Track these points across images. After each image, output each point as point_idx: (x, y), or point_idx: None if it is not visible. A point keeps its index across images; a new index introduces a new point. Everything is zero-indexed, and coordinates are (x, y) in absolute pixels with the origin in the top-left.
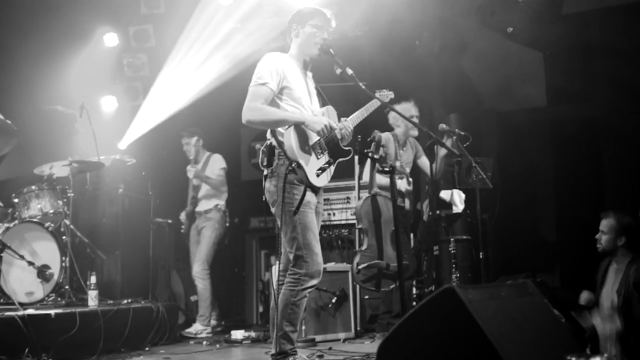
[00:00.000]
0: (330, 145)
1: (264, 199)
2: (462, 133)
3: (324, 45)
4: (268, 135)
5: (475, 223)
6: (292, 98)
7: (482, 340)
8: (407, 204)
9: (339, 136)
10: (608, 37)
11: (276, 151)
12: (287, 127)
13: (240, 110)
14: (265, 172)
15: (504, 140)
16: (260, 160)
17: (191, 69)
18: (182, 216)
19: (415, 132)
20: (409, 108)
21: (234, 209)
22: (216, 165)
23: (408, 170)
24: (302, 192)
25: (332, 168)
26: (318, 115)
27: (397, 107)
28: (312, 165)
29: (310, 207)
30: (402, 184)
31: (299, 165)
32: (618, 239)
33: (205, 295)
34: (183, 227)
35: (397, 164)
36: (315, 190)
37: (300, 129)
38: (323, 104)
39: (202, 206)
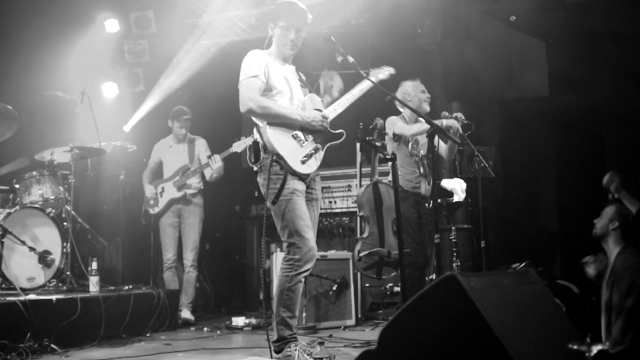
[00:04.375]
0: (315, 131)
1: (255, 194)
2: (466, 121)
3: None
4: (254, 131)
5: (477, 212)
6: (274, 93)
7: (484, 328)
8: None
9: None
10: (611, 24)
11: (260, 145)
12: (264, 122)
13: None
14: (255, 168)
15: (506, 129)
16: (248, 157)
17: (194, 54)
18: (162, 200)
19: (427, 108)
20: (417, 84)
21: (234, 197)
22: (207, 151)
23: (423, 152)
24: (282, 180)
25: (322, 153)
26: (308, 111)
27: (407, 83)
28: (296, 154)
29: (298, 194)
30: (423, 187)
31: (280, 157)
32: (611, 223)
33: (194, 284)
34: (154, 209)
35: (421, 152)
36: (303, 177)
37: (277, 122)
38: (308, 93)
39: (187, 190)
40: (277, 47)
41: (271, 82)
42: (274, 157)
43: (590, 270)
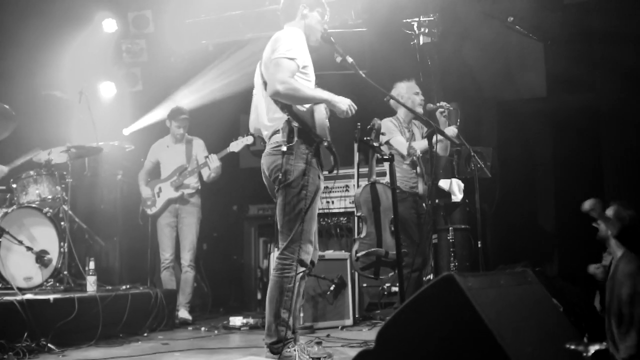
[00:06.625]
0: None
1: (278, 176)
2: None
3: (324, 34)
4: (284, 114)
5: (474, 212)
6: (308, 76)
7: (482, 328)
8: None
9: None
10: (610, 24)
11: (296, 129)
12: (310, 105)
13: (239, 98)
14: (283, 148)
15: (504, 130)
16: (281, 136)
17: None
18: (160, 200)
19: (421, 111)
20: (412, 85)
21: (232, 197)
22: (204, 152)
23: (419, 152)
24: (316, 187)
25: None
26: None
27: (401, 85)
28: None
29: (319, 194)
30: (420, 187)
31: (329, 145)
32: (610, 227)
33: (192, 284)
34: (152, 210)
35: (417, 151)
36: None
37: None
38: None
39: (184, 190)
40: (306, 31)
41: (306, 63)
42: (315, 143)
43: (599, 275)
